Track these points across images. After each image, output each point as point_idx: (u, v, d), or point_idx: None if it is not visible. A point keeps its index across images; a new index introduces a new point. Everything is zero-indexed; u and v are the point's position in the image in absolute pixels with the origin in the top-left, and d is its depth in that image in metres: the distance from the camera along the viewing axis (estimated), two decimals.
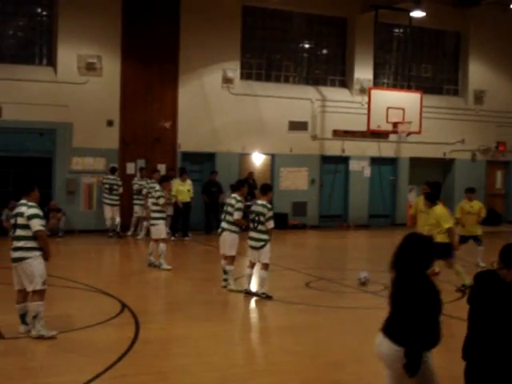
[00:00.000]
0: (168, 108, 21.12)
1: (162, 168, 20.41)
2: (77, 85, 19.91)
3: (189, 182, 19.79)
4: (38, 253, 8.27)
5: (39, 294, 8.23)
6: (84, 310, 10.16)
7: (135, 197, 19.65)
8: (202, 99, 21.56)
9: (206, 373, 7.34)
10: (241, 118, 21.94)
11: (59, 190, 19.90)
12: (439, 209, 11.74)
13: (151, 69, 20.77)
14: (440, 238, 11.28)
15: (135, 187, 19.63)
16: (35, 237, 8.24)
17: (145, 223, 19.29)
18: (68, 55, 19.88)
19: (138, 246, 18.56)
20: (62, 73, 19.88)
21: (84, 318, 9.46)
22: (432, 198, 11.90)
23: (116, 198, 19.39)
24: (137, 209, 19.62)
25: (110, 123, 20.40)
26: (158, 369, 7.40)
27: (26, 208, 8.35)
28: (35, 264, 8.22)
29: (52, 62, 20.13)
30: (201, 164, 21.77)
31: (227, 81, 21.89)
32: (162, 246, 13.96)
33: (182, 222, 19.71)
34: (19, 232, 8.30)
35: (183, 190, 19.50)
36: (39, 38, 20.34)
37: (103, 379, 6.85)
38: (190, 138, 21.24)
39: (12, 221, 8.48)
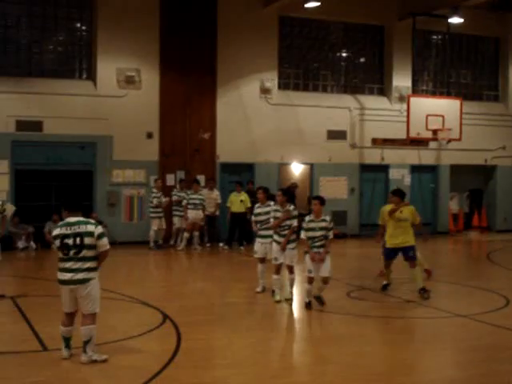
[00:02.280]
0: (206, 119, 21.22)
1: (201, 179, 20.51)
2: (116, 98, 20.15)
3: (243, 193, 19.93)
4: (97, 273, 7.98)
5: (93, 317, 7.90)
6: (125, 321, 10.21)
7: (174, 208, 19.73)
8: (241, 110, 21.64)
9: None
10: (279, 127, 21.95)
11: (100, 202, 20.11)
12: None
13: (189, 81, 20.89)
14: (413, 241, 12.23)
15: (174, 198, 19.72)
16: (96, 256, 7.90)
17: (185, 234, 19.41)
18: (107, 69, 20.14)
19: (179, 256, 18.64)
20: (102, 86, 20.14)
21: (125, 328, 9.50)
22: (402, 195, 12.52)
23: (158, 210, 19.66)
24: (175, 220, 19.73)
25: (149, 135, 20.57)
26: (199, 380, 7.39)
27: (94, 227, 7.88)
28: (97, 285, 7.95)
29: (92, 76, 20.40)
30: (240, 174, 21.79)
31: (265, 91, 21.93)
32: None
33: (238, 232, 19.77)
34: (86, 253, 7.80)
35: (236, 200, 19.58)
36: (79, 53, 20.64)
37: None
38: (228, 148, 21.32)
39: (77, 240, 7.77)
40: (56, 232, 7.94)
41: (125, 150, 20.24)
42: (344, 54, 24.03)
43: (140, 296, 11.97)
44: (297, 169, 22.98)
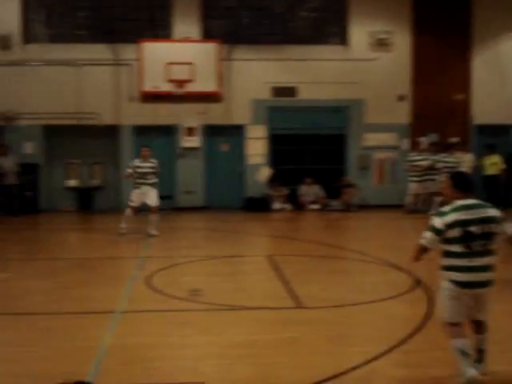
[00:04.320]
0: (460, 80, 20.54)
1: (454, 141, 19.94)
2: (368, 61, 20.17)
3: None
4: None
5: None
6: (376, 283, 10.30)
7: (423, 172, 19.23)
8: (498, 69, 20.62)
9: None
10: None
11: (352, 165, 20.39)
12: None
13: (442, 42, 20.32)
14: None
15: (424, 163, 19.21)
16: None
17: (437, 198, 19.05)
18: (359, 33, 20.23)
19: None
20: (354, 50, 20.28)
21: (376, 291, 9.59)
22: None
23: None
24: (413, 185, 19.22)
25: (400, 98, 20.40)
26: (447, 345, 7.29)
27: (495, 210, 6.02)
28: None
29: (344, 41, 20.58)
30: (496, 137, 20.83)
31: None
32: None
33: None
34: (491, 245, 5.94)
35: (488, 163, 19.04)
36: (332, 18, 20.89)
37: (396, 352, 6.90)
38: (484, 110, 20.46)
39: (484, 228, 5.86)
40: (451, 218, 5.92)
41: (376, 113, 20.29)
42: None
43: (391, 259, 12.00)
44: None
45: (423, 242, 6.14)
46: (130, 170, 15.25)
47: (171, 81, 19.23)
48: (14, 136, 19.46)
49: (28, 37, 19.89)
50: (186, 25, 19.88)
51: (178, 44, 19.59)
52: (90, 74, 19.54)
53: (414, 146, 19.79)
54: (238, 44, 20.10)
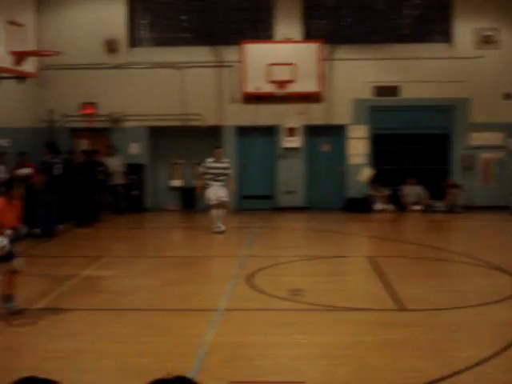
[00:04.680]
0: None
1: None
2: (473, 59, 19.65)
3: None
4: None
5: None
6: (480, 286, 10.06)
7: None
8: None
9: None
10: None
11: (456, 166, 19.94)
12: None
13: None
14: None
15: None
16: None
17: None
18: (464, 30, 19.72)
19: None
20: (458, 48, 19.81)
21: (480, 295, 9.37)
22: None
23: None
24: None
25: (507, 96, 19.78)
26: None
27: None
28: None
29: (448, 38, 20.13)
30: None
31: None
32: None
33: None
34: None
35: None
36: (435, 16, 20.47)
37: (502, 357, 6.73)
38: None
39: None
40: None
41: (481, 112, 19.73)
42: None
43: (497, 262, 11.68)
44: None
45: None
46: (201, 169, 15.74)
47: (273, 82, 19.34)
48: (121, 137, 20.06)
49: (133, 40, 20.48)
50: (288, 26, 19.96)
51: (279, 45, 19.69)
52: (194, 76, 19.90)
53: None
54: (339, 44, 20.00)
